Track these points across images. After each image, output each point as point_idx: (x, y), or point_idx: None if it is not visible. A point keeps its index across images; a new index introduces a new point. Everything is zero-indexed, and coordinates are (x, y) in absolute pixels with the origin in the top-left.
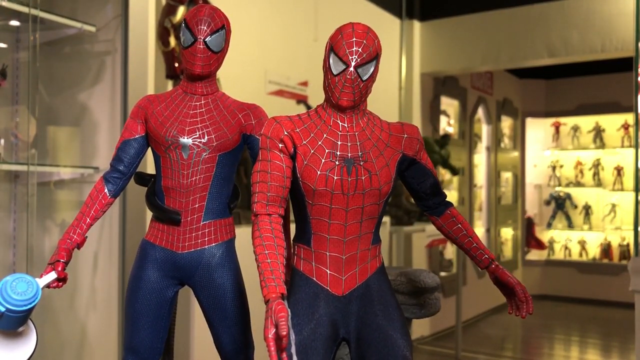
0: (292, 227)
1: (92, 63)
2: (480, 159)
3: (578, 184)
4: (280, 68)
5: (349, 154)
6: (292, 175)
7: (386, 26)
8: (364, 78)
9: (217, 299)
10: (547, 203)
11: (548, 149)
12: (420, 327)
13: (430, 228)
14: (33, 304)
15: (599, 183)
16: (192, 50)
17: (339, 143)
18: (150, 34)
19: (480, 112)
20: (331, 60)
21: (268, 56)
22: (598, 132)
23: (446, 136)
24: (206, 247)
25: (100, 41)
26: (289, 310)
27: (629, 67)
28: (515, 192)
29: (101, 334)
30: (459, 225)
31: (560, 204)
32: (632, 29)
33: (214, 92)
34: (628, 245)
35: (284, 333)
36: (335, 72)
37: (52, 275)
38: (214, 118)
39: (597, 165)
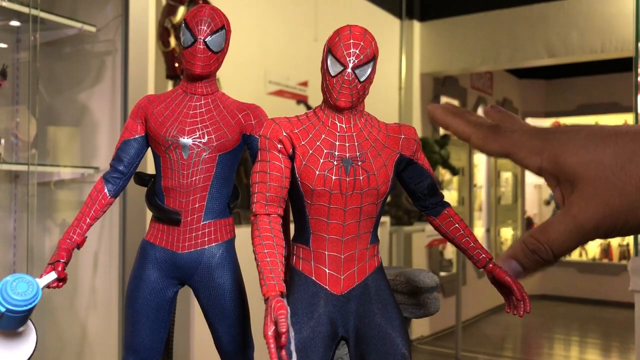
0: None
1: (92, 63)
2: (480, 159)
3: None
4: (280, 68)
5: (347, 154)
6: (291, 176)
7: (386, 26)
8: (362, 79)
9: (217, 298)
10: (547, 203)
11: None
12: (420, 327)
13: (430, 228)
14: (33, 304)
15: None
16: (192, 50)
17: (337, 143)
18: (151, 34)
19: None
20: (329, 62)
21: (268, 56)
22: None
23: (446, 136)
24: (206, 247)
25: (100, 41)
26: (288, 307)
27: (629, 67)
28: (515, 192)
29: (101, 334)
30: (456, 225)
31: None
32: (632, 29)
33: (214, 92)
34: (628, 245)
35: (284, 330)
36: (333, 74)
37: (52, 275)
38: (214, 118)
39: None
